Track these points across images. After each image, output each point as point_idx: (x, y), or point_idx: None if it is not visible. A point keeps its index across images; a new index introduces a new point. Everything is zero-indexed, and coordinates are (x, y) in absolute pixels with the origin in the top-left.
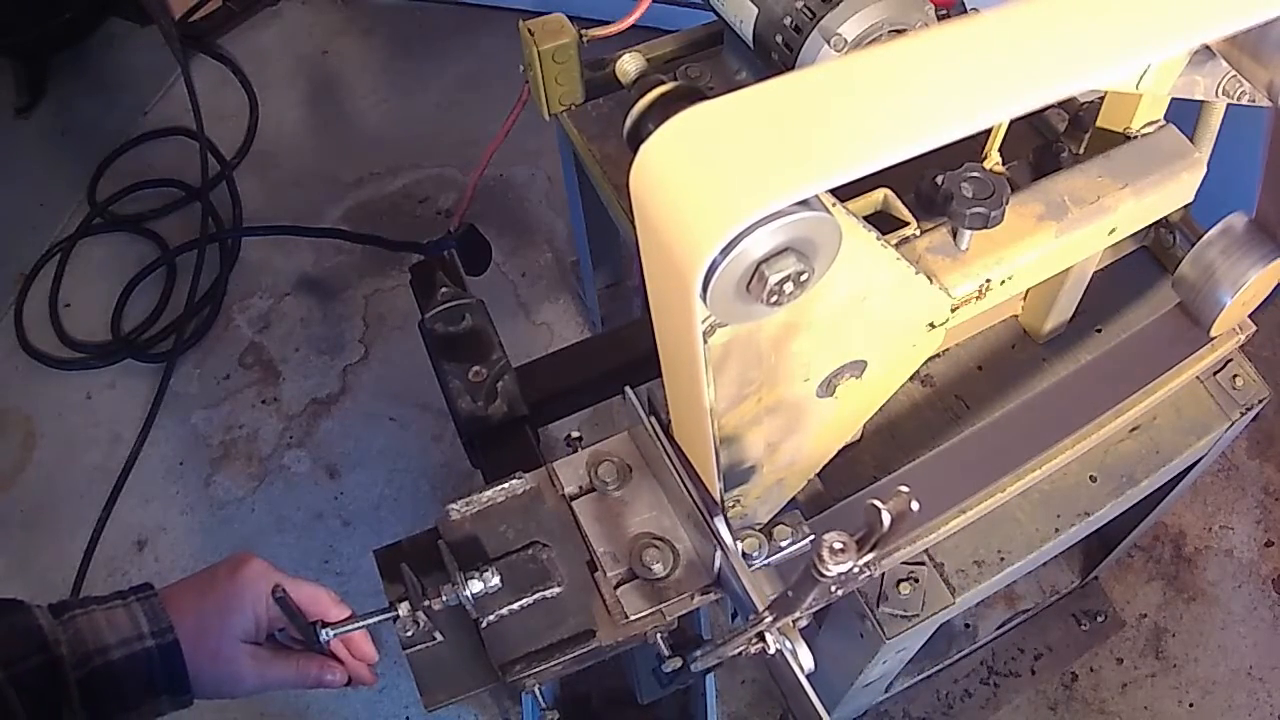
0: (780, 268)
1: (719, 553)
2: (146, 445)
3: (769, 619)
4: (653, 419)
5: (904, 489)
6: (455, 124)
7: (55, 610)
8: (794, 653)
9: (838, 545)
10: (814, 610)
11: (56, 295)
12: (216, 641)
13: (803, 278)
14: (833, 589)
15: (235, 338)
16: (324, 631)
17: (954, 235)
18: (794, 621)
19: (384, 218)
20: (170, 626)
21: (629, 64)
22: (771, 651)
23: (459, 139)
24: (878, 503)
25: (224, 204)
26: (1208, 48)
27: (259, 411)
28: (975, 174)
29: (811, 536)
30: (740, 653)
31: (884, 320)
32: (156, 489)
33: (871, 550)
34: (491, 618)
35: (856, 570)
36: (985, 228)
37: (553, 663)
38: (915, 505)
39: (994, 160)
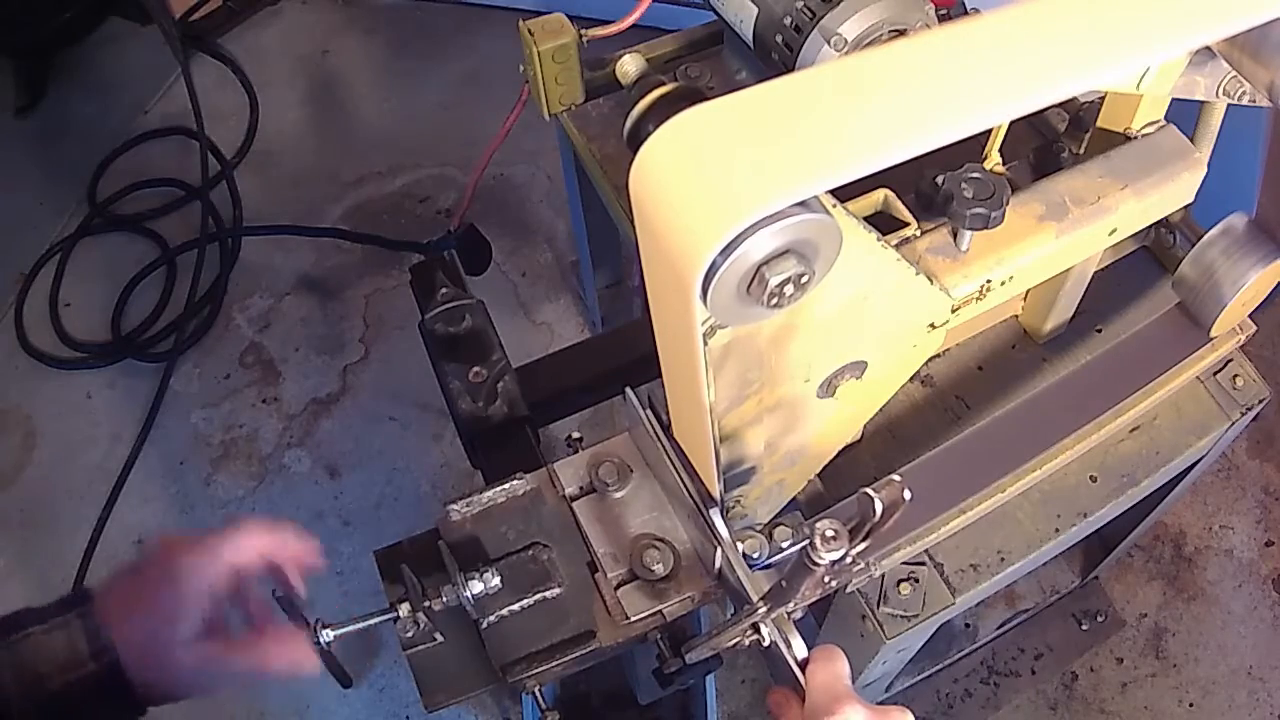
0: (780, 270)
1: (719, 552)
2: (146, 445)
3: (763, 609)
4: (652, 418)
5: (896, 478)
6: (455, 124)
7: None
8: (788, 644)
9: (830, 533)
10: (808, 602)
11: (56, 295)
12: (163, 651)
13: (803, 279)
14: (825, 578)
15: (235, 337)
16: (324, 633)
17: (954, 236)
18: (788, 614)
19: (384, 217)
20: (110, 645)
21: (629, 64)
22: (766, 643)
23: (459, 139)
24: (870, 491)
25: (224, 204)
26: (1208, 48)
27: (259, 411)
28: (975, 174)
29: None
30: (735, 644)
31: (884, 321)
32: (156, 489)
33: (865, 539)
34: (492, 618)
35: (849, 560)
36: (985, 228)
37: (553, 663)
38: (908, 494)
39: (994, 160)
